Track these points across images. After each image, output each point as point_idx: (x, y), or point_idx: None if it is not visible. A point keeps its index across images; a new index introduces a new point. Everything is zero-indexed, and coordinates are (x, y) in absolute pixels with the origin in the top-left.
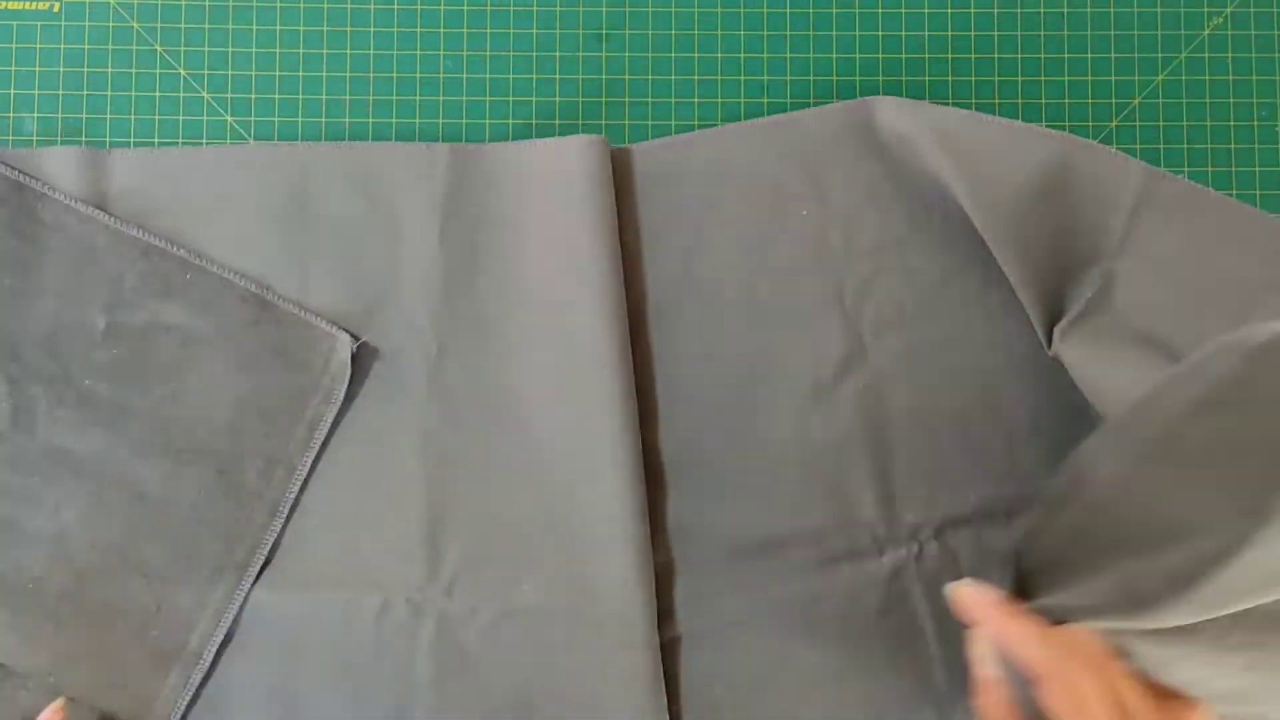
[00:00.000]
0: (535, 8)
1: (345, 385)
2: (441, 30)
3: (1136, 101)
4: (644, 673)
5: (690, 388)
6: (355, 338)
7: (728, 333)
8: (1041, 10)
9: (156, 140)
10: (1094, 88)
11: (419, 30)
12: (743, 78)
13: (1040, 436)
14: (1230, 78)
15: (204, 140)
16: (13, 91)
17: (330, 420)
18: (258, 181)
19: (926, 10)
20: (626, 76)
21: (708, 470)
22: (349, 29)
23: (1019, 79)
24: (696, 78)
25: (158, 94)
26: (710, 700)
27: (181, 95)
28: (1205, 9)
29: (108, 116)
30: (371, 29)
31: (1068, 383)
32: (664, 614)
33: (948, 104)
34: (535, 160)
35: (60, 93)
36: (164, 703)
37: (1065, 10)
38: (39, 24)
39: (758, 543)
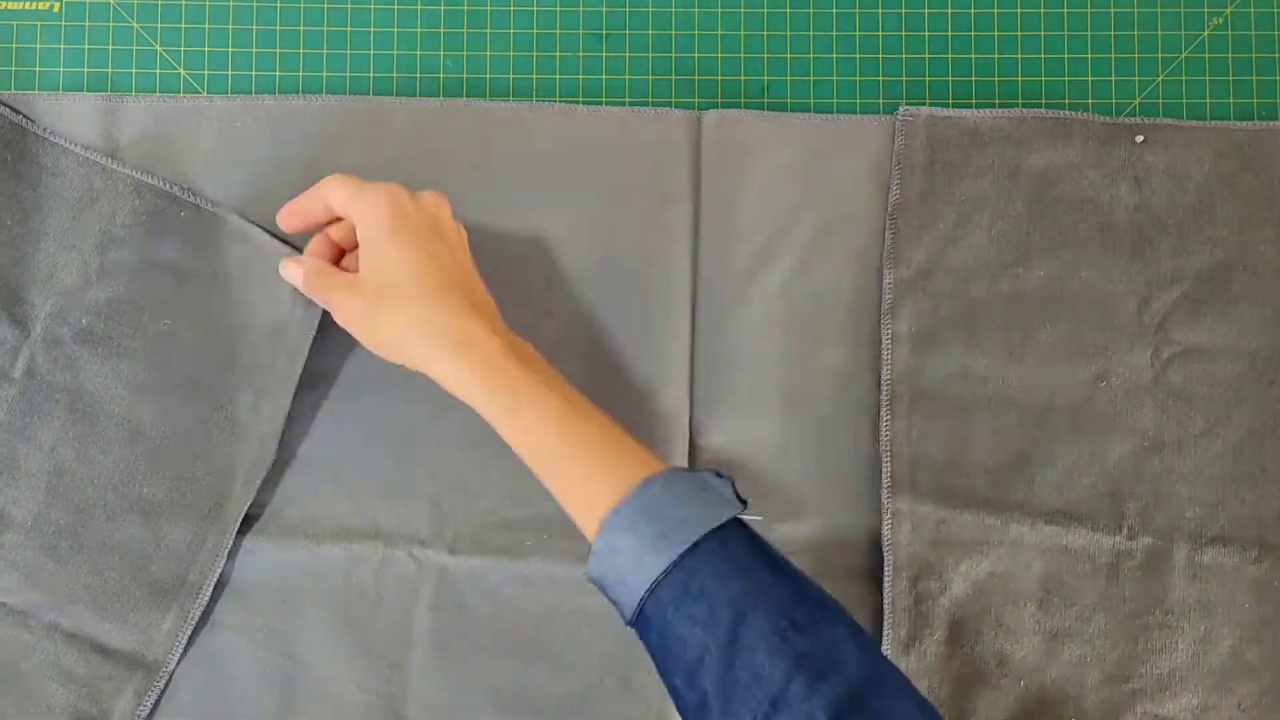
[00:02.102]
0: (535, 8)
1: (318, 315)
2: (442, 31)
3: (1137, 102)
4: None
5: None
6: None
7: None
8: (1042, 11)
9: None
10: (1094, 88)
11: (419, 31)
12: (743, 78)
13: None
14: (1230, 78)
15: None
16: (13, 91)
17: (305, 350)
18: (268, 133)
19: (927, 10)
20: (627, 76)
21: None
22: (349, 30)
23: (1019, 79)
24: (696, 78)
25: (158, 94)
26: None
27: (182, 96)
28: (1205, 9)
29: None
30: (372, 29)
31: None
32: None
33: (947, 105)
34: (557, 124)
35: (60, 93)
36: (165, 637)
37: (1065, 11)
38: (39, 24)
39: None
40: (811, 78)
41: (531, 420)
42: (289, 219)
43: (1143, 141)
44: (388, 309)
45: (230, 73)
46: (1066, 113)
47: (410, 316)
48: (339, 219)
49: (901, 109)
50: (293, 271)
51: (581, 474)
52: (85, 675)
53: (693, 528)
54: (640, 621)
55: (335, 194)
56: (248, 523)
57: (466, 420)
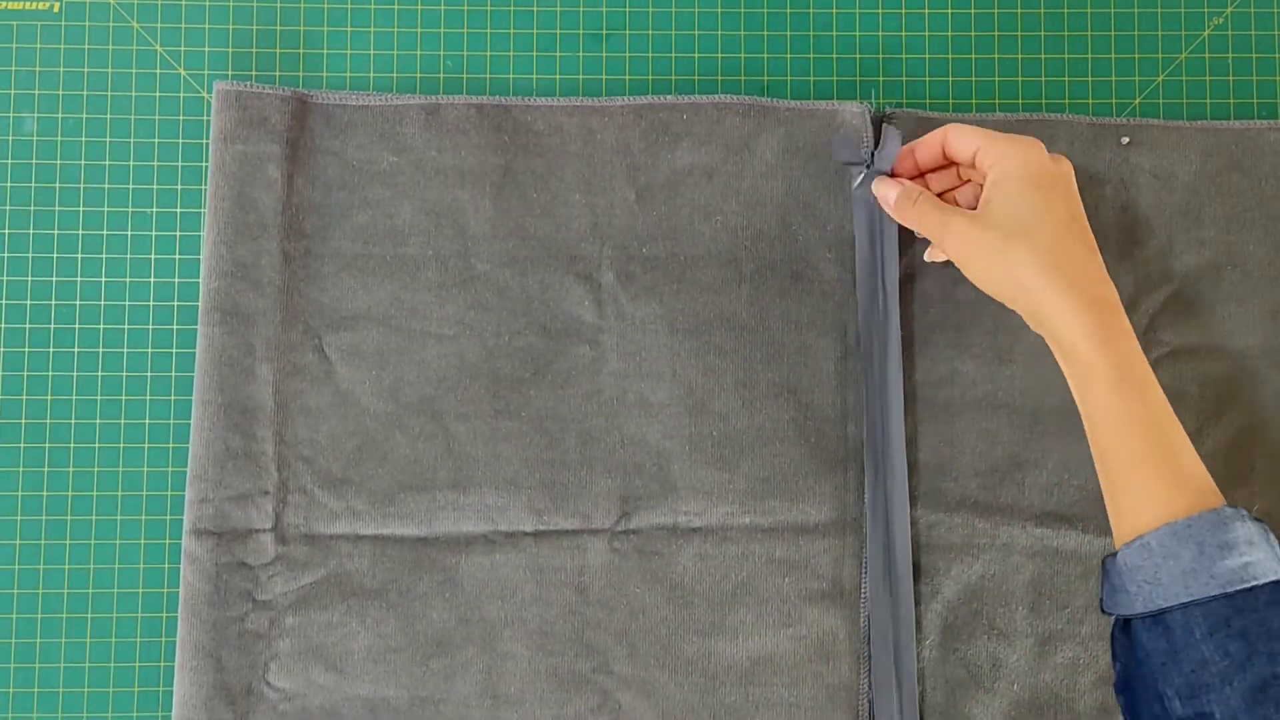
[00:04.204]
0: (535, 8)
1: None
2: (442, 31)
3: (1137, 102)
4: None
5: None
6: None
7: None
8: (1042, 11)
9: (156, 140)
10: (1095, 88)
11: (419, 31)
12: (743, 78)
13: None
14: (1230, 78)
15: (204, 142)
16: (13, 91)
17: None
18: None
19: (927, 10)
20: (627, 76)
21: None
22: (349, 30)
23: (1019, 79)
24: (696, 78)
25: (158, 94)
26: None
27: (182, 96)
28: (1205, 9)
29: (108, 116)
30: (372, 29)
31: None
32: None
33: (948, 105)
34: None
35: (60, 93)
36: (853, 495)
37: (1066, 11)
38: (39, 24)
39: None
40: (811, 78)
41: (1141, 378)
42: (904, 162)
43: (1128, 143)
44: (1021, 246)
45: (230, 73)
46: (1051, 115)
47: (1040, 258)
48: (940, 169)
49: (886, 112)
50: (887, 190)
51: (1161, 461)
52: (799, 557)
53: (1256, 570)
54: (1150, 622)
55: (964, 139)
56: None
57: None
